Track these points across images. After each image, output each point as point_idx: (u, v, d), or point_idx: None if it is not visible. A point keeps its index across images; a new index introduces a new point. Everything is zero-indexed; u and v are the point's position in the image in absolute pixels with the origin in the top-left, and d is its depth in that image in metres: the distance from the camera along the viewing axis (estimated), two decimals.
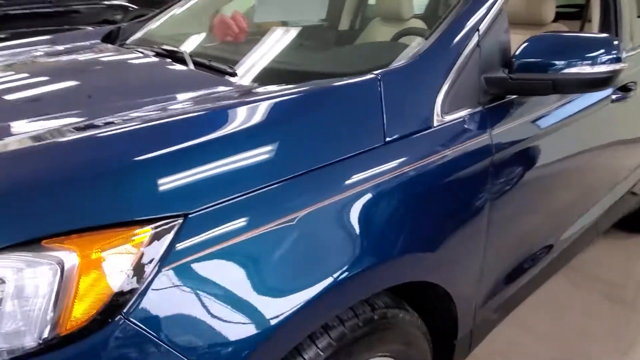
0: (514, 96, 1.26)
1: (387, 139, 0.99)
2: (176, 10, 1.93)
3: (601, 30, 1.85)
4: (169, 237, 0.73)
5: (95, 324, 0.68)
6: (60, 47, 1.70)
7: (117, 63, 1.49)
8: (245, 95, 1.10)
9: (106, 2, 6.98)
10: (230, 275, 0.77)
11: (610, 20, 1.84)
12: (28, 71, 1.43)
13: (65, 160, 0.79)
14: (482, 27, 1.21)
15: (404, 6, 2.68)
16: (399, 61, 1.14)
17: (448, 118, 1.12)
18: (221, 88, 1.17)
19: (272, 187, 0.83)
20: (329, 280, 0.85)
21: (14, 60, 1.51)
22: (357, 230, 0.91)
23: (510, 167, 1.25)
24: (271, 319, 0.79)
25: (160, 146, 0.80)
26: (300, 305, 0.82)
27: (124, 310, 0.69)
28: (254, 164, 0.84)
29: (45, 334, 0.66)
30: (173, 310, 0.72)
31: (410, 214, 1.01)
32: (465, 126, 1.14)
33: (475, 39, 1.19)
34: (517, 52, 1.18)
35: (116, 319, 0.69)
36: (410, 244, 1.00)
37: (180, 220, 0.74)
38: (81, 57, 1.56)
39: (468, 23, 1.19)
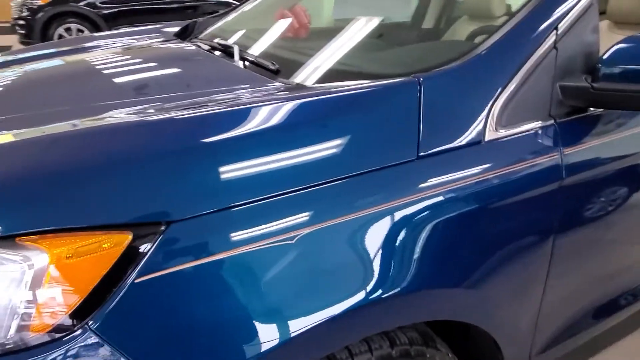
0: (599, 110, 1.05)
1: (421, 153, 0.85)
2: (248, 5, 1.91)
3: None
4: (147, 246, 0.68)
5: (60, 329, 0.64)
6: (134, 41, 1.76)
7: (160, 58, 1.49)
8: (263, 98, 1.01)
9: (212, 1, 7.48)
10: (210, 293, 0.69)
11: None
12: (81, 64, 1.48)
13: (49, 158, 0.76)
14: (562, 25, 1.01)
15: (493, 3, 2.44)
16: (455, 63, 0.98)
17: (506, 132, 0.94)
18: (253, 86, 1.11)
19: (272, 200, 0.74)
20: (329, 309, 0.75)
21: (81, 53, 1.58)
22: (368, 256, 0.78)
23: (586, 194, 1.03)
24: (259, 344, 0.71)
25: (147, 148, 0.75)
26: (292, 335, 0.72)
27: (90, 318, 0.65)
28: (252, 172, 0.75)
29: (10, 334, 0.64)
30: (141, 324, 0.66)
31: (443, 242, 0.86)
32: (528, 143, 0.96)
33: (551, 39, 0.99)
34: (605, 57, 0.97)
35: (80, 326, 0.65)
36: (439, 277, 0.85)
37: (162, 228, 0.69)
38: (132, 52, 1.59)
39: (543, 20, 1.00)
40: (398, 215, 0.81)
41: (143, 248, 0.67)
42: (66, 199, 0.68)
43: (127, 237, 0.67)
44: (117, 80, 1.25)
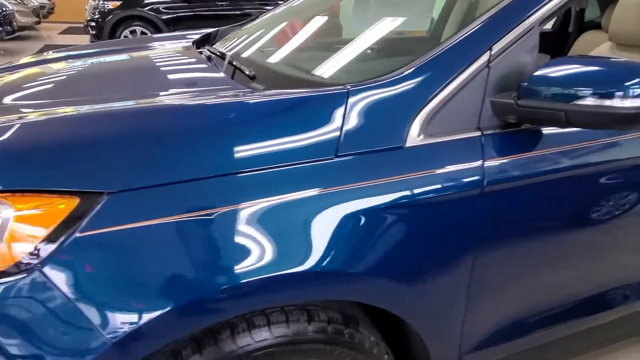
0: (531, 126, 1.12)
1: (340, 153, 0.98)
2: (259, 18, 2.10)
3: None
4: (92, 209, 0.85)
5: (16, 267, 0.83)
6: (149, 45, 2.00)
7: (161, 62, 1.70)
8: (221, 96, 1.18)
9: (268, 8, 7.82)
10: (134, 253, 0.86)
11: None
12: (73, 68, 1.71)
13: (22, 138, 0.96)
14: (497, 46, 1.10)
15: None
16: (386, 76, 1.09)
17: (431, 140, 1.04)
18: (216, 89, 1.28)
19: (193, 182, 0.90)
20: (237, 276, 0.89)
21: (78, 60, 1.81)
22: (279, 236, 0.92)
23: (507, 203, 1.10)
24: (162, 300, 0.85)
25: (96, 135, 0.94)
26: (194, 298, 0.87)
27: (41, 260, 0.83)
28: (178, 158, 0.91)
29: None
30: (78, 270, 0.84)
31: (354, 232, 0.97)
32: (452, 151, 1.05)
33: (484, 58, 1.09)
34: (529, 76, 1.05)
35: (33, 266, 0.83)
36: (346, 262, 0.96)
37: (104, 197, 0.86)
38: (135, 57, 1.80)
39: (477, 41, 1.09)
40: (312, 203, 0.94)
41: (87, 210, 0.85)
42: (31, 168, 0.87)
43: (75, 201, 0.85)
44: (102, 79, 1.48)
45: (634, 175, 1.25)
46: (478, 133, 1.08)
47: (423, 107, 1.04)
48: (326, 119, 1.00)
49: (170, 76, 1.48)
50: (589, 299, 1.36)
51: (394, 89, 1.05)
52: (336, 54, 1.38)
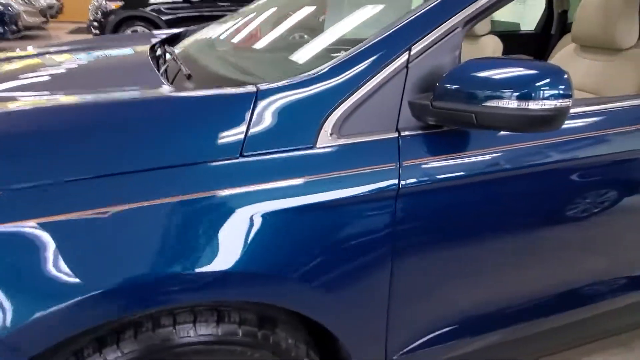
0: (455, 128, 1.10)
1: (245, 153, 0.97)
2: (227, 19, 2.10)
3: None
4: None
5: None
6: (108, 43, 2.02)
7: (103, 62, 1.71)
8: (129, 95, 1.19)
9: None
10: (27, 250, 0.86)
11: None
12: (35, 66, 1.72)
13: None
14: (416, 47, 1.09)
15: (479, 23, 2.46)
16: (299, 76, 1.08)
17: (344, 141, 1.03)
18: (138, 88, 1.28)
19: (81, 180, 0.90)
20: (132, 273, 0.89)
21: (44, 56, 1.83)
22: (174, 235, 0.91)
23: (425, 205, 1.09)
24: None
25: None
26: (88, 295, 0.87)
27: None
28: (63, 157, 0.92)
29: None
30: None
31: (260, 233, 0.97)
32: (366, 152, 1.04)
33: (402, 59, 1.08)
34: (443, 77, 1.04)
35: None
36: (249, 263, 0.96)
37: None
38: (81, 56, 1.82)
39: (394, 42, 1.08)
40: (214, 204, 0.94)
41: None
42: None
43: None
44: (33, 77, 1.49)
45: (560, 178, 1.23)
46: (395, 134, 1.07)
47: (337, 108, 1.03)
48: (231, 119, 1.00)
49: (101, 76, 1.49)
50: (526, 302, 1.34)
51: (306, 89, 1.04)
52: (272, 55, 1.38)
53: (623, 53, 1.78)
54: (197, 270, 0.92)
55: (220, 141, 0.97)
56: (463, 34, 1.14)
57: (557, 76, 0.95)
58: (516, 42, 3.16)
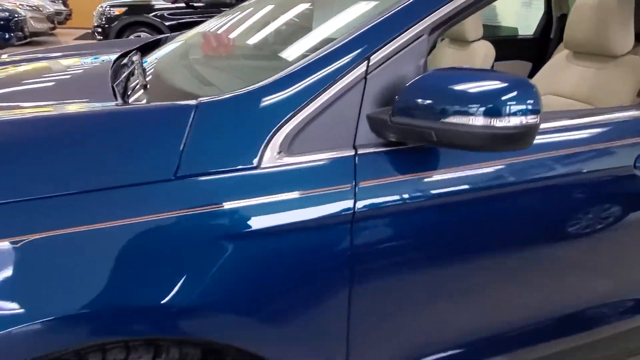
0: (418, 144, 1.01)
1: (180, 174, 0.89)
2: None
3: None
4: None
5: None
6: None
7: (63, 71, 1.64)
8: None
9: None
10: None
11: None
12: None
13: None
14: (376, 57, 0.99)
15: (468, 27, 2.36)
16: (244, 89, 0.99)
17: (294, 159, 0.94)
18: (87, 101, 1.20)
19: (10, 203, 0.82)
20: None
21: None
22: (96, 266, 0.83)
23: (383, 229, 0.99)
24: None
25: None
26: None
27: None
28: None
29: None
30: None
31: (201, 261, 0.88)
32: (317, 172, 0.95)
33: (360, 69, 0.99)
34: (402, 90, 0.95)
35: None
36: (178, 295, 0.87)
37: None
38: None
39: (351, 51, 0.99)
40: (144, 231, 0.85)
41: None
42: None
43: None
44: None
45: (526, 200, 1.12)
46: (351, 152, 0.98)
47: (285, 123, 0.94)
48: (166, 136, 0.91)
49: (51, 88, 1.41)
50: (502, 330, 1.23)
51: (250, 103, 0.95)
52: (237, 65, 1.29)
53: (617, 60, 1.67)
54: (124, 303, 0.84)
55: (152, 161, 0.89)
56: (430, 42, 1.05)
57: (525, 90, 0.85)
58: (514, 48, 3.05)
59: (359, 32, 1.01)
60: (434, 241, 1.04)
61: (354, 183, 0.96)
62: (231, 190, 0.90)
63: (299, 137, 0.95)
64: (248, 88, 0.97)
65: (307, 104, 0.96)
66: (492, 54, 2.32)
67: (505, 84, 0.86)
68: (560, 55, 1.91)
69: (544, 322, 1.25)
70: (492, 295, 1.16)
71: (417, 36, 1.02)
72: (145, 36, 8.16)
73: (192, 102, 0.95)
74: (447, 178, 1.02)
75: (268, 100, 0.96)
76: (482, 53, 2.30)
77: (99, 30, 8.21)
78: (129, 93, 1.31)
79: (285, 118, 0.94)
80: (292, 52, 1.24)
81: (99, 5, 8.53)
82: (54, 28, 11.42)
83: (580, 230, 1.18)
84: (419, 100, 0.91)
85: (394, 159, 1.00)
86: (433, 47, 2.68)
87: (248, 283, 0.92)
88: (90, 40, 10.49)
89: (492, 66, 2.33)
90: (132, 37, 8.19)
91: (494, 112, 0.84)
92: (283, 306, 0.96)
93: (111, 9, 8.22)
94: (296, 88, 0.96)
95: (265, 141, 0.93)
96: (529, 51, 3.04)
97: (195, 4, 8.11)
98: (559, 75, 1.87)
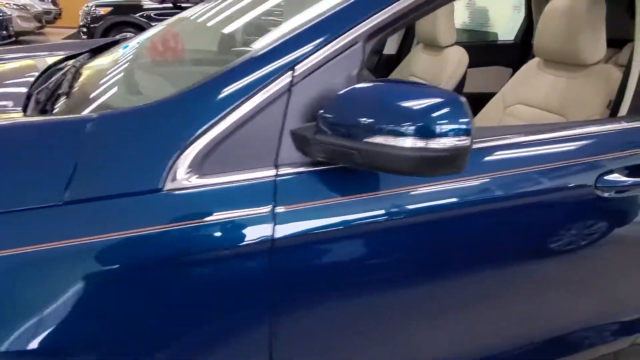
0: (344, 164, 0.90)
1: (68, 199, 0.78)
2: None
3: None
4: None
5: None
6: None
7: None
8: None
9: None
10: None
11: None
12: None
13: None
14: (302, 66, 0.89)
15: (441, 32, 2.27)
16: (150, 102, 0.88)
17: (203, 182, 0.84)
18: None
19: None
20: None
21: None
22: None
23: (312, 261, 0.89)
24: None
25: None
26: None
27: None
28: None
29: None
30: None
31: (92, 295, 0.78)
32: (230, 195, 0.85)
33: (284, 80, 0.88)
34: (326, 104, 0.85)
35: None
36: (66, 336, 0.77)
37: None
38: None
39: (273, 60, 0.89)
40: (23, 262, 0.75)
41: None
42: None
43: None
44: None
45: (470, 225, 1.01)
46: (272, 172, 0.87)
47: (195, 140, 0.84)
48: (56, 155, 0.80)
49: None
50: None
51: (155, 118, 0.85)
52: (171, 73, 1.19)
53: (588, 69, 1.57)
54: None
55: (39, 184, 0.78)
56: (365, 50, 0.95)
57: (455, 108, 0.75)
58: (494, 53, 2.96)
59: (282, 40, 0.91)
60: (361, 270, 0.93)
61: (272, 207, 0.86)
62: (128, 216, 0.79)
63: (213, 156, 0.85)
64: (152, 102, 0.87)
65: (221, 119, 0.85)
66: (466, 60, 2.23)
67: (434, 102, 0.75)
68: (531, 63, 1.81)
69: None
70: (423, 326, 1.06)
71: (350, 44, 0.92)
72: (131, 36, 8.07)
73: (93, 115, 0.85)
74: (377, 202, 0.91)
75: (175, 115, 0.85)
76: (456, 59, 2.21)
77: (84, 30, 8.09)
78: (52, 101, 1.20)
79: (195, 135, 0.84)
80: (218, 62, 1.14)
81: (85, 5, 8.41)
82: (41, 27, 11.26)
83: (533, 257, 1.09)
84: (342, 117, 0.81)
85: (321, 180, 0.89)
86: (406, 52, 2.59)
87: (147, 320, 0.81)
88: (76, 40, 10.37)
89: (465, 72, 2.24)
90: (118, 36, 8.09)
91: (420, 132, 0.74)
92: (193, 345, 0.86)
93: (96, 8, 8.10)
94: (208, 101, 0.86)
95: (171, 161, 0.82)
96: (510, 57, 2.95)
97: (182, 4, 7.99)
98: (530, 84, 1.77)
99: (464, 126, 0.75)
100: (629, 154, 1.15)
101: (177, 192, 0.82)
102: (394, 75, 2.54)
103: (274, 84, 0.88)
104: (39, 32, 11.47)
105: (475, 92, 2.34)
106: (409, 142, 0.74)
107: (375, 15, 0.94)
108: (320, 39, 0.91)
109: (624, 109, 1.33)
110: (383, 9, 0.94)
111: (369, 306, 0.96)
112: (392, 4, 0.94)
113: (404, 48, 2.61)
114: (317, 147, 0.85)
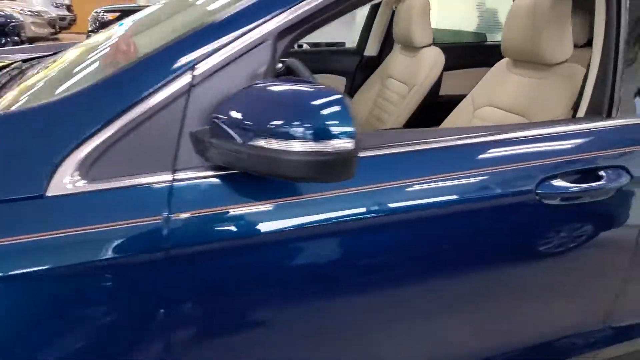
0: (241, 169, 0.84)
1: None
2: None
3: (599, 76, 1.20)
4: None
5: None
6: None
7: None
8: None
9: None
10: None
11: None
12: None
13: None
14: (204, 65, 0.85)
15: (415, 33, 2.21)
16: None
17: (90, 187, 0.79)
18: None
19: None
20: None
21: None
22: None
23: (212, 273, 0.84)
24: None
25: None
26: None
27: None
28: None
29: None
30: None
31: None
32: (120, 202, 0.80)
33: (184, 80, 0.84)
34: (219, 106, 0.80)
35: None
36: None
37: None
38: None
39: (173, 59, 0.84)
40: None
41: None
42: None
43: None
44: None
45: (394, 234, 0.95)
46: (168, 177, 0.83)
47: (82, 143, 0.79)
48: None
49: None
50: None
51: (39, 119, 0.81)
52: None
53: (554, 69, 1.50)
54: None
55: None
56: (276, 50, 0.90)
57: (337, 110, 0.70)
58: (482, 54, 2.87)
59: (182, 38, 0.86)
60: (259, 280, 0.88)
61: (167, 214, 0.81)
62: (8, 223, 0.76)
63: (103, 159, 0.80)
64: (35, 105, 0.83)
65: (112, 121, 0.80)
66: (442, 61, 2.16)
67: (315, 103, 0.70)
68: (501, 63, 1.74)
69: None
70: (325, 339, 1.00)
71: (257, 43, 0.87)
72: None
73: None
74: (277, 211, 0.86)
75: (57, 118, 0.81)
76: (431, 60, 2.14)
77: (92, 35, 8.23)
78: None
79: (82, 138, 0.79)
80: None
81: (94, 10, 8.55)
82: (55, 33, 11.48)
83: (468, 267, 1.02)
84: (230, 120, 0.76)
85: (220, 186, 0.84)
86: (387, 53, 2.53)
87: (22, 336, 0.77)
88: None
89: (442, 74, 2.17)
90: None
91: (299, 135, 0.69)
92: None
93: (105, 14, 8.24)
94: (96, 103, 0.82)
95: (53, 165, 0.78)
96: (498, 58, 2.87)
97: None
98: (499, 85, 1.70)
99: (346, 129, 0.69)
100: (574, 159, 1.08)
101: (59, 198, 0.78)
102: (374, 76, 2.48)
103: (171, 84, 0.83)
104: (53, 37, 11.68)
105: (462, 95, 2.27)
106: (289, 145, 0.69)
107: (284, 13, 0.89)
108: (224, 38, 0.86)
109: (582, 111, 1.26)
110: (293, 7, 0.89)
111: (272, 316, 0.91)
112: (300, 2, 0.89)
113: (385, 49, 2.55)
114: (212, 151, 0.80)
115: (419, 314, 1.05)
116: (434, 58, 2.15)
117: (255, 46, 0.87)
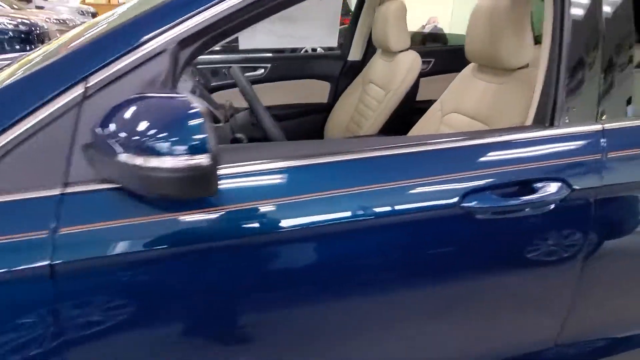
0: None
1: None
2: None
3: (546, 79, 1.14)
4: None
5: None
6: None
7: None
8: None
9: None
10: None
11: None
12: None
13: None
14: (98, 77, 0.83)
15: (391, 37, 2.15)
16: None
17: None
18: None
19: None
20: None
21: None
22: None
23: (100, 291, 0.82)
24: None
25: None
26: None
27: None
28: None
29: None
30: None
31: None
32: (2, 216, 0.79)
33: (75, 92, 0.83)
34: (99, 120, 0.78)
35: None
36: None
37: None
38: None
39: (64, 71, 0.83)
40: None
41: None
42: None
43: None
44: None
45: (304, 252, 0.92)
46: (57, 191, 0.81)
47: None
48: None
49: None
50: None
51: None
52: None
53: (514, 74, 1.43)
54: None
55: None
56: (182, 59, 0.88)
57: (186, 121, 0.67)
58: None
59: (75, 50, 0.86)
60: (152, 295, 0.85)
61: (53, 229, 0.80)
62: None
63: None
64: None
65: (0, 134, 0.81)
66: (418, 65, 2.10)
67: (165, 118, 0.68)
68: (467, 68, 1.68)
69: None
70: None
71: (155, 53, 0.86)
72: None
73: None
74: (165, 226, 0.83)
75: None
76: (407, 64, 2.08)
77: None
78: None
79: None
80: None
81: None
82: None
83: (390, 285, 0.97)
84: (102, 133, 0.75)
85: (111, 199, 0.82)
86: (370, 58, 2.48)
87: None
88: None
89: (418, 78, 2.11)
90: None
91: (156, 150, 0.67)
92: None
93: None
94: None
95: None
96: None
97: None
98: (465, 91, 1.64)
99: (198, 143, 0.67)
100: (506, 170, 1.02)
101: None
102: (356, 82, 2.44)
103: (62, 96, 0.82)
104: None
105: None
106: (140, 161, 0.67)
107: (185, 23, 0.87)
108: (119, 49, 0.85)
109: (530, 119, 1.20)
110: (194, 15, 0.87)
111: (170, 333, 0.88)
112: (203, 11, 0.87)
113: (369, 54, 2.51)
114: (97, 164, 0.79)
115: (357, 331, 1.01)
116: (410, 62, 2.10)
117: (153, 57, 0.86)
